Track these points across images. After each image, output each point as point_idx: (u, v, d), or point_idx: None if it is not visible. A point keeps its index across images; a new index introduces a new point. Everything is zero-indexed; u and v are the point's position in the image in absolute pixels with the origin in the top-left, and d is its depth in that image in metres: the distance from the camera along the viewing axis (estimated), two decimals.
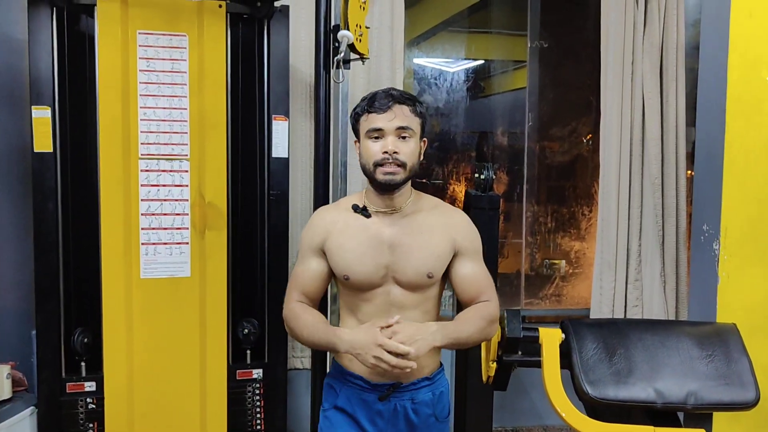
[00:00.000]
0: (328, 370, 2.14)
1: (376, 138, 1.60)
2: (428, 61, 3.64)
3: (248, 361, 2.51)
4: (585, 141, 3.75)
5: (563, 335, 1.88)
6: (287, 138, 2.49)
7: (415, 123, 1.63)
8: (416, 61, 3.59)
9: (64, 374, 2.33)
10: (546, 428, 3.45)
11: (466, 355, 2.53)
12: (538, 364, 1.86)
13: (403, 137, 1.60)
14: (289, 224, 2.62)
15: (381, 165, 1.59)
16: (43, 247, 2.29)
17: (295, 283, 1.75)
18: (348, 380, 1.73)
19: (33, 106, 2.24)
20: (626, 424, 1.74)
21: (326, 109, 2.13)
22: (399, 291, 1.68)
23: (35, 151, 2.25)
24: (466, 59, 3.73)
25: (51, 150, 2.27)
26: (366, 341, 1.54)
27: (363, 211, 1.67)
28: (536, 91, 3.57)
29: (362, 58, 2.03)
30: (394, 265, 1.65)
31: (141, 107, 2.32)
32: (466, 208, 2.42)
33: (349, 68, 2.06)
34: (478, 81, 3.73)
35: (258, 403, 2.53)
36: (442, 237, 1.68)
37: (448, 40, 3.75)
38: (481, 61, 3.74)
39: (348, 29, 1.91)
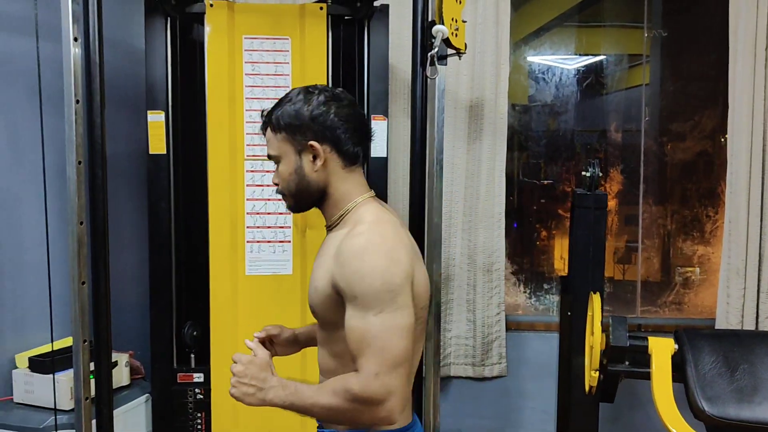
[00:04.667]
0: (423, 372, 2.10)
1: None
2: (542, 59, 3.52)
3: None
4: (709, 136, 3.46)
5: (676, 346, 1.74)
6: (386, 138, 2.48)
7: (277, 145, 1.36)
8: (530, 59, 3.48)
9: (175, 365, 2.46)
10: None
11: (569, 363, 2.40)
12: (648, 376, 1.72)
13: (276, 164, 1.40)
14: None
15: None
16: (157, 244, 2.43)
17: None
18: None
19: (149, 111, 2.39)
20: None
21: (422, 106, 2.09)
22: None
23: (150, 153, 2.40)
24: (578, 55, 3.57)
25: (164, 152, 2.40)
26: None
27: None
28: (655, 84, 3.34)
29: (458, 53, 1.97)
30: None
31: (246, 110, 2.40)
32: (572, 208, 2.30)
33: (445, 64, 2.01)
34: (593, 77, 3.55)
35: None
36: (325, 269, 1.30)
37: (558, 35, 3.60)
38: (598, 58, 3.56)
39: (443, 24, 1.87)
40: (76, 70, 1.94)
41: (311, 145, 1.33)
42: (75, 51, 1.94)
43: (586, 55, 3.56)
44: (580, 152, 3.54)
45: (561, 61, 3.55)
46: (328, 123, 1.32)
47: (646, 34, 3.31)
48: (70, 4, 1.92)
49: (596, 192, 2.24)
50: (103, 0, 2.02)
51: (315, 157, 1.33)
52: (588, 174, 2.24)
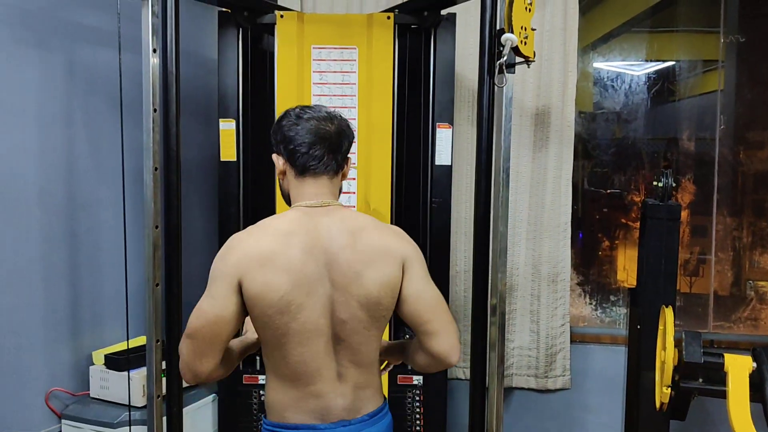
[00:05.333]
0: (486, 383, 2.09)
1: None
2: (609, 65, 3.44)
3: (409, 366, 2.53)
4: None
5: (754, 364, 1.66)
6: (450, 145, 2.48)
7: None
8: (596, 65, 3.42)
9: (241, 366, 2.52)
10: None
11: (638, 378, 2.33)
12: (723, 395, 1.65)
13: None
14: (451, 232, 2.61)
15: None
16: None
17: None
18: None
19: (220, 119, 2.47)
20: None
21: (489, 114, 2.08)
22: None
23: (221, 160, 2.47)
24: (648, 61, 3.48)
25: (235, 159, 2.47)
26: None
27: None
28: (731, 91, 3.22)
29: (527, 61, 1.95)
30: None
31: None
32: (642, 218, 2.24)
33: (513, 72, 2.00)
34: (664, 84, 3.45)
35: (417, 410, 2.54)
36: None
37: (628, 41, 3.52)
38: (669, 63, 3.46)
39: (512, 32, 1.85)
40: (154, 81, 2.03)
41: (273, 157, 1.53)
42: (153, 62, 2.03)
43: (657, 61, 3.46)
44: (648, 161, 3.44)
45: (629, 67, 3.46)
46: (278, 137, 1.49)
47: (722, 40, 3.19)
48: (150, 18, 2.01)
49: (669, 202, 2.17)
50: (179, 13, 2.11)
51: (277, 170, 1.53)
52: (660, 184, 2.17)
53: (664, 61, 3.45)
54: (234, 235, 1.49)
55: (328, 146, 1.47)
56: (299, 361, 1.45)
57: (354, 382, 1.49)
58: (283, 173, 1.53)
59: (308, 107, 1.52)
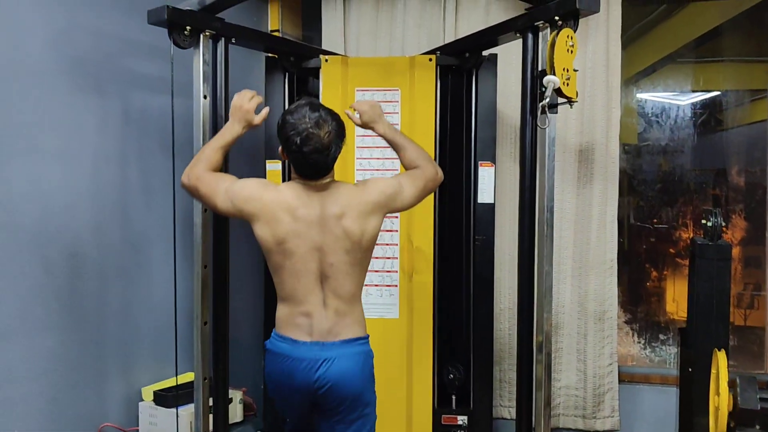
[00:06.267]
0: (533, 423, 2.05)
1: None
2: (653, 96, 3.41)
3: (453, 406, 2.51)
4: None
5: None
6: (493, 183, 2.49)
7: None
8: (639, 95, 3.39)
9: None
10: None
11: (690, 423, 2.25)
12: None
13: None
14: (494, 270, 2.60)
15: None
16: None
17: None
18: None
19: (267, 160, 2.53)
20: None
21: (532, 153, 2.09)
22: None
23: None
24: (695, 92, 3.43)
25: None
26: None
27: None
28: None
29: (570, 101, 1.96)
30: None
31: (357, 158, 2.49)
32: (692, 257, 2.19)
33: (556, 112, 2.01)
34: (710, 115, 3.39)
35: None
36: None
37: (672, 73, 3.49)
38: (714, 93, 3.41)
39: (554, 74, 1.87)
40: (205, 124, 2.11)
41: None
42: (204, 107, 2.11)
43: (703, 91, 3.42)
44: (696, 193, 3.37)
45: (674, 98, 3.42)
46: (279, 132, 1.76)
47: None
48: (201, 66, 2.09)
49: (719, 242, 2.12)
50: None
51: None
52: (709, 223, 2.13)
53: (709, 91, 3.40)
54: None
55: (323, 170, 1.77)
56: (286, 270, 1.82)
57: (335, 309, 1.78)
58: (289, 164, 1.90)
59: (303, 100, 1.77)
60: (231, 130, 1.89)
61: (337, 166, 1.80)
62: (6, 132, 1.94)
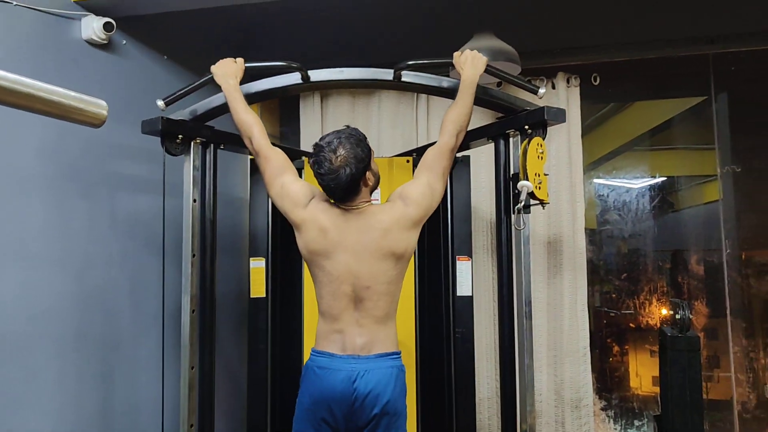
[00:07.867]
0: None
1: None
2: (610, 182, 3.60)
3: None
4: None
5: None
6: (470, 277, 2.58)
7: None
8: (597, 181, 3.58)
9: None
10: None
11: None
12: None
13: None
14: (475, 361, 2.66)
15: None
16: (255, 384, 2.55)
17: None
18: None
19: (251, 258, 2.59)
20: None
21: (508, 251, 2.20)
22: None
23: (251, 296, 2.57)
24: (653, 177, 3.65)
25: (264, 295, 2.57)
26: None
27: None
28: (732, 218, 3.34)
29: (542, 203, 2.09)
30: None
31: None
32: (661, 348, 2.29)
33: (529, 212, 2.14)
34: (662, 199, 3.59)
35: None
36: None
37: (628, 161, 3.70)
38: (663, 178, 3.63)
39: (527, 179, 2.01)
40: (194, 228, 2.17)
41: None
42: (194, 210, 2.18)
43: (660, 177, 3.63)
44: (656, 272, 3.51)
45: (627, 182, 3.62)
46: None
47: (719, 170, 3.35)
48: (191, 171, 2.18)
49: (688, 333, 2.24)
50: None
51: None
52: (678, 316, 2.25)
53: (667, 177, 3.61)
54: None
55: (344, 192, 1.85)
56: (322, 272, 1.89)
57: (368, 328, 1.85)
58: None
59: (318, 158, 1.85)
60: (235, 87, 2.04)
61: None
62: None
